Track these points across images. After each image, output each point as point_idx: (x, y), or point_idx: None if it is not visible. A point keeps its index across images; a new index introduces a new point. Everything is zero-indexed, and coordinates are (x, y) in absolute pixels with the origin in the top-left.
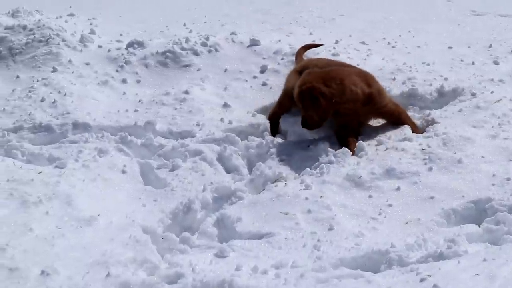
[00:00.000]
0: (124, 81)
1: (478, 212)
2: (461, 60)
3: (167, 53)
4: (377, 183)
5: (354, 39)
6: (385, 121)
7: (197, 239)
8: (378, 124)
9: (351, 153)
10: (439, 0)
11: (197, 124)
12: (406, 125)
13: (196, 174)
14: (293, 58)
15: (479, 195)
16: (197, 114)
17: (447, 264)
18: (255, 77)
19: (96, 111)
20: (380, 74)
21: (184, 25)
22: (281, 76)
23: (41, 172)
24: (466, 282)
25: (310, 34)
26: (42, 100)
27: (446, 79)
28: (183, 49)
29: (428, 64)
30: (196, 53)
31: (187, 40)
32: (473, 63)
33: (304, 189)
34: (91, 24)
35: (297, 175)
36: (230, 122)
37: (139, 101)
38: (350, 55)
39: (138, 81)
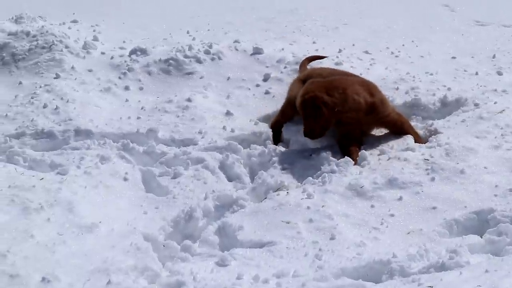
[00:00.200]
0: (126, 88)
1: (480, 223)
2: (465, 70)
3: (170, 61)
4: (379, 193)
5: (357, 48)
6: (388, 131)
7: (198, 247)
8: (380, 134)
9: (353, 162)
10: (442, 10)
11: (200, 132)
12: (409, 135)
13: (198, 182)
14: (296, 66)
15: (482, 206)
16: (200, 122)
17: (449, 275)
18: (258, 85)
19: (99, 118)
20: (383, 84)
21: (187, 32)
22: (284, 85)
23: (42, 178)
24: None
25: (314, 43)
26: (45, 106)
27: (449, 89)
28: (186, 56)
29: (432, 74)
30: (199, 61)
31: (190, 48)
32: (476, 74)
33: (306, 198)
34: (94, 30)
35: (299, 184)
36: (232, 130)
37: (142, 108)
38: (353, 64)
39: (141, 88)
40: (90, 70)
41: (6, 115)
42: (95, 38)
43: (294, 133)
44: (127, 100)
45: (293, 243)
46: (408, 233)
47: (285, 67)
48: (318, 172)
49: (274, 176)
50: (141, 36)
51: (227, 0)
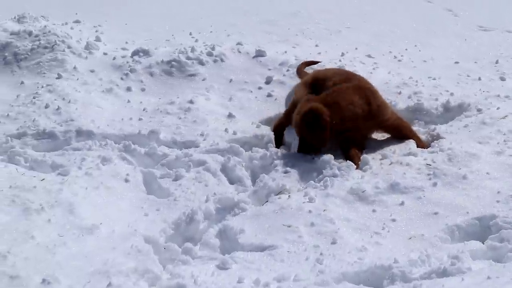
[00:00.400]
0: (128, 89)
1: (482, 229)
2: (468, 76)
3: (173, 62)
4: (381, 198)
5: (360, 52)
6: (389, 135)
7: (199, 250)
8: (382, 138)
9: (355, 166)
10: (446, 15)
11: (201, 134)
12: (411, 140)
13: (199, 185)
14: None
15: (484, 212)
16: (202, 124)
17: (450, 281)
18: (260, 88)
19: (100, 119)
20: (386, 88)
21: (190, 34)
22: (286, 88)
23: (43, 179)
24: None
25: (316, 46)
26: (46, 106)
27: (452, 94)
28: (188, 58)
29: (434, 79)
30: (201, 63)
31: (192, 50)
32: (479, 79)
33: (307, 202)
34: (96, 31)
35: (301, 187)
36: (234, 133)
37: (144, 109)
38: (356, 68)
39: (143, 90)
40: (92, 71)
41: (8, 115)
42: (98, 39)
43: (296, 137)
44: (129, 101)
45: (294, 247)
46: (410, 238)
47: (287, 70)
48: (320, 176)
49: (275, 179)
50: (144, 37)
51: (230, 2)
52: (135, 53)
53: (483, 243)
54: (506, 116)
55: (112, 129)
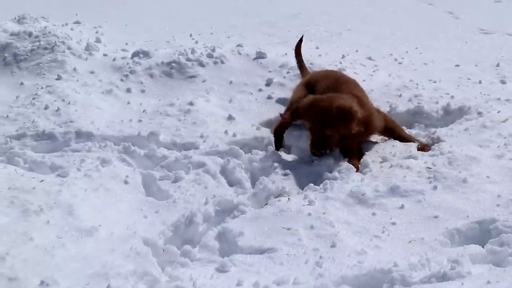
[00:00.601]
0: (128, 90)
1: (482, 233)
2: (468, 79)
3: (173, 64)
4: (381, 201)
5: (360, 54)
6: (388, 138)
7: (198, 253)
8: (383, 141)
9: (355, 169)
10: (447, 17)
11: (201, 136)
12: (411, 143)
13: (198, 187)
14: (299, 72)
15: (484, 216)
16: (201, 126)
17: (450, 285)
18: (260, 90)
19: (100, 120)
20: (386, 91)
21: (190, 35)
22: (286, 90)
23: (43, 180)
24: None
25: (317, 48)
26: (46, 107)
27: (452, 97)
28: (188, 60)
29: (435, 82)
30: (201, 64)
31: (193, 51)
32: (480, 82)
33: (307, 204)
34: (97, 32)
35: (301, 190)
36: (234, 135)
37: (143, 111)
38: (356, 71)
39: (143, 91)
40: (92, 72)
41: (7, 116)
42: (98, 40)
43: (296, 139)
44: (128, 103)
45: (294, 250)
46: (410, 242)
47: (288, 72)
48: (320, 179)
49: (275, 182)
50: (144, 39)
51: (231, 3)
52: (135, 54)
53: (483, 247)
54: (506, 119)
55: (111, 131)
